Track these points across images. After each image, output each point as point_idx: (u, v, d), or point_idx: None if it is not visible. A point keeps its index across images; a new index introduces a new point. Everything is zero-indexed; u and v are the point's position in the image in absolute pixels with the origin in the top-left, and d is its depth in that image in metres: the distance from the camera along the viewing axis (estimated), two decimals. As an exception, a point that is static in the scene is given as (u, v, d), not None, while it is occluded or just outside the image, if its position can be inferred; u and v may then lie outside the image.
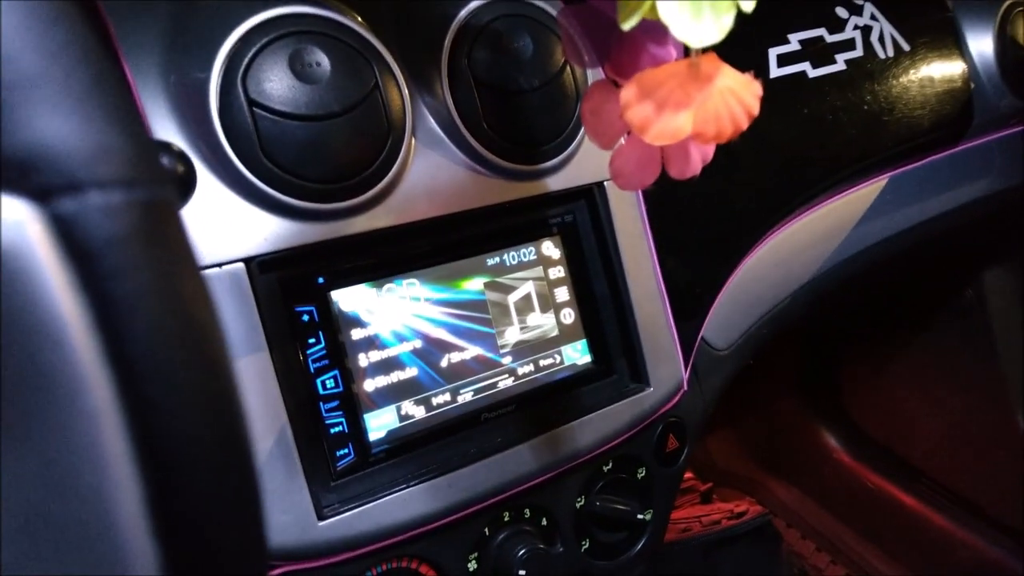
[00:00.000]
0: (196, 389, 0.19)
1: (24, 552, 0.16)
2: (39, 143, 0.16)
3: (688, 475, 1.37)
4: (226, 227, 0.49)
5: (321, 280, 0.53)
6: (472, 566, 0.58)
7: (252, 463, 0.21)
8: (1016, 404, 1.18)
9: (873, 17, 0.83)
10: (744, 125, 0.39)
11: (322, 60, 0.49)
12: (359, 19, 0.53)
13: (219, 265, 0.49)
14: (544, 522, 0.62)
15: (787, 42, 0.77)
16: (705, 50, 0.37)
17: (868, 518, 1.34)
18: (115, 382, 0.17)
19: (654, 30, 0.43)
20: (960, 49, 0.89)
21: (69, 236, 0.17)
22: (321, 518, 0.51)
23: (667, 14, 0.34)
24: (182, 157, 0.46)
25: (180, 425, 0.18)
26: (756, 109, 0.39)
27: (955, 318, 1.24)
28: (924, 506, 1.28)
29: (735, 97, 0.38)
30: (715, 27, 0.35)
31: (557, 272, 0.63)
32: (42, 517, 0.16)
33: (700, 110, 0.38)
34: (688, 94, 0.38)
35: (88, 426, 0.17)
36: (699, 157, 0.46)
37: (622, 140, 0.45)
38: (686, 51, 0.40)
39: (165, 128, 0.49)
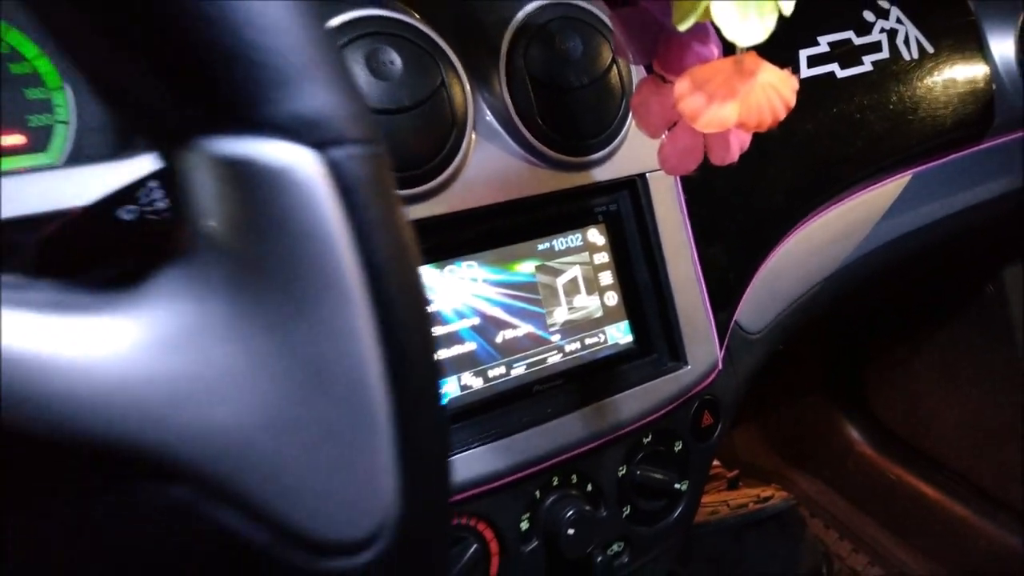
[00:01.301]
0: (414, 291, 0.26)
1: (306, 397, 0.22)
2: (317, 109, 0.23)
3: (715, 464, 1.41)
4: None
5: (390, 260, 0.58)
6: (524, 525, 0.63)
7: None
8: (1035, 397, 1.21)
9: (899, 20, 0.87)
10: (782, 116, 0.43)
11: (395, 59, 0.54)
12: (426, 22, 0.58)
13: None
14: (589, 488, 0.66)
15: (817, 44, 0.81)
16: (749, 49, 0.42)
17: (889, 508, 1.37)
18: (366, 283, 0.23)
19: (699, 31, 0.47)
20: (982, 52, 0.93)
21: (337, 175, 0.23)
22: (391, 475, 0.55)
23: (719, 15, 0.39)
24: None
25: (405, 315, 0.25)
26: (793, 102, 0.43)
27: (976, 313, 1.27)
28: (944, 496, 1.31)
29: (775, 91, 0.43)
30: (760, 27, 0.40)
31: (602, 257, 0.67)
32: (319, 371, 0.22)
33: (744, 102, 0.42)
34: (734, 87, 0.42)
35: (350, 310, 0.23)
36: (737, 145, 0.51)
37: (665, 133, 0.50)
38: (725, 50, 0.45)
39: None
